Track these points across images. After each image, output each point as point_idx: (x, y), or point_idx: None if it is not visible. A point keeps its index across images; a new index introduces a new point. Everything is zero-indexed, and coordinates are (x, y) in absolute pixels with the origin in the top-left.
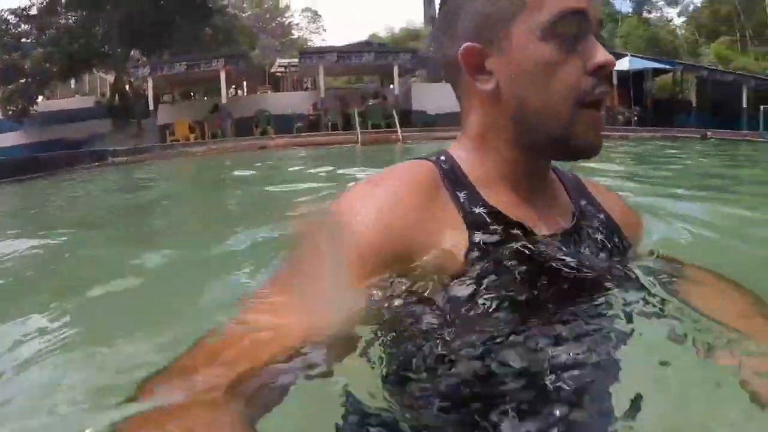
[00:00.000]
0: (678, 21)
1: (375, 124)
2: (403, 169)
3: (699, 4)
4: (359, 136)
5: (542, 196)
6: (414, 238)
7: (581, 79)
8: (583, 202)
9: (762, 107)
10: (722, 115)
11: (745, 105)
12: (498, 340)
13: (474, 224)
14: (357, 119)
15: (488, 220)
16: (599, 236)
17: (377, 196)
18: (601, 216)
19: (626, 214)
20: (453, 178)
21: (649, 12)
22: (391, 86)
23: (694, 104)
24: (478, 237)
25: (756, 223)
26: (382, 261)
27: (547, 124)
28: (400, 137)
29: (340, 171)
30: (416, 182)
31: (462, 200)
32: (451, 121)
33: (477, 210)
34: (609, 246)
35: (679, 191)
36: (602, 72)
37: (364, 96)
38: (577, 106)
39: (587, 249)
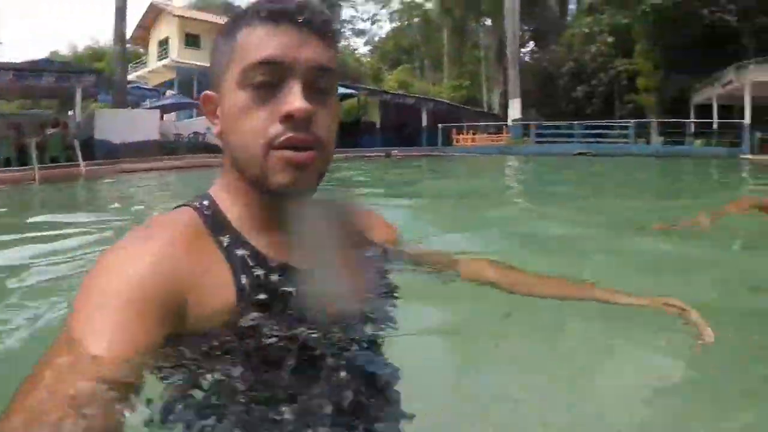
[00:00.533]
0: (364, 50)
1: (54, 156)
2: (165, 222)
3: (384, 35)
4: (36, 172)
5: None
6: (183, 292)
7: (271, 126)
8: None
9: (440, 125)
10: (405, 134)
11: (425, 124)
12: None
13: (238, 268)
14: (34, 152)
15: (251, 263)
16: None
17: (141, 253)
18: (357, 239)
19: (383, 228)
20: (215, 222)
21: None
22: (70, 113)
23: (378, 125)
24: (244, 280)
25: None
26: (154, 317)
27: (249, 167)
28: (83, 171)
29: (11, 219)
30: (180, 234)
31: (225, 245)
32: (136, 151)
33: (240, 253)
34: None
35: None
36: (292, 120)
37: (43, 124)
38: (267, 149)
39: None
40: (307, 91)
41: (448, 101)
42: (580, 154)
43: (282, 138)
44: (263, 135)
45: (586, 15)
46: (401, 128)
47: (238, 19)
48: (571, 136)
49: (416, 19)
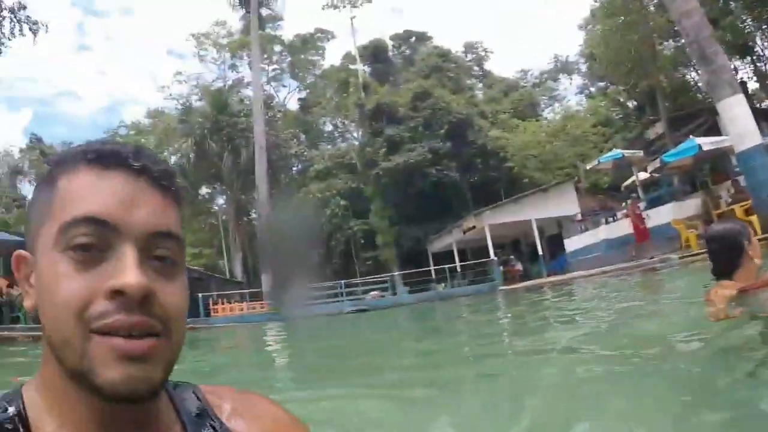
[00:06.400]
0: None
1: None
2: None
3: None
4: None
5: None
6: None
7: (94, 301)
8: None
9: (199, 295)
10: None
11: None
12: None
13: None
14: None
15: None
16: None
17: None
18: None
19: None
20: None
21: None
22: None
23: None
24: None
25: None
26: None
27: (63, 353)
28: None
29: None
30: None
31: None
32: None
33: None
34: None
35: None
36: (122, 297)
37: None
38: (86, 332)
39: None
40: (145, 259)
41: (199, 269)
42: (360, 310)
43: (109, 320)
44: (81, 311)
45: (319, 181)
46: None
47: (62, 162)
48: (337, 295)
49: None
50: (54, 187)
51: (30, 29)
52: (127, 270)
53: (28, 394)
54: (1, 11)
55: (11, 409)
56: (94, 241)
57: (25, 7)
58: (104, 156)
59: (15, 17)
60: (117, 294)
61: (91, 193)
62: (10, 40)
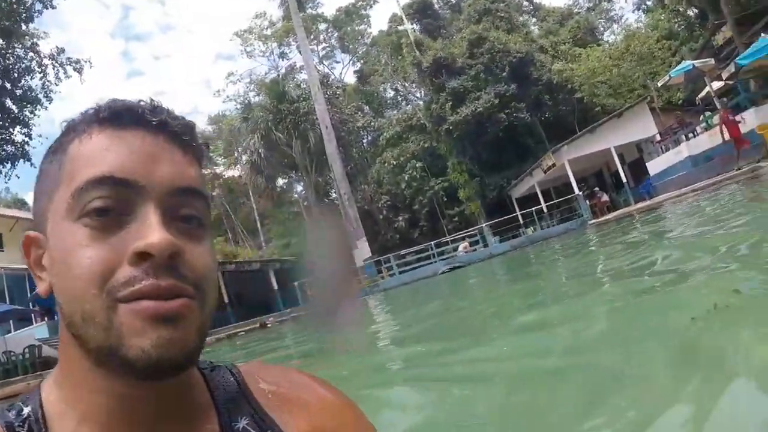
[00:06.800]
0: None
1: None
2: None
3: None
4: None
5: None
6: None
7: (116, 270)
8: (242, 424)
9: (296, 283)
10: (255, 300)
11: (276, 287)
12: None
13: None
14: None
15: None
16: None
17: None
18: None
19: (329, 416)
20: None
21: None
22: None
23: (226, 300)
24: None
25: None
26: None
27: (86, 332)
28: None
29: None
30: None
31: None
32: None
33: None
34: None
35: None
36: (147, 259)
37: None
38: (113, 303)
39: None
40: (170, 220)
41: (291, 259)
42: (455, 268)
43: (136, 287)
44: (103, 281)
45: (392, 147)
46: (248, 296)
47: (71, 127)
48: (430, 257)
49: (216, 191)
50: (64, 154)
51: (74, 69)
52: (152, 230)
53: (47, 390)
54: (42, 60)
55: (26, 410)
56: (113, 204)
57: (63, 50)
58: (118, 114)
59: (56, 62)
60: (142, 257)
61: (107, 153)
62: (57, 85)
